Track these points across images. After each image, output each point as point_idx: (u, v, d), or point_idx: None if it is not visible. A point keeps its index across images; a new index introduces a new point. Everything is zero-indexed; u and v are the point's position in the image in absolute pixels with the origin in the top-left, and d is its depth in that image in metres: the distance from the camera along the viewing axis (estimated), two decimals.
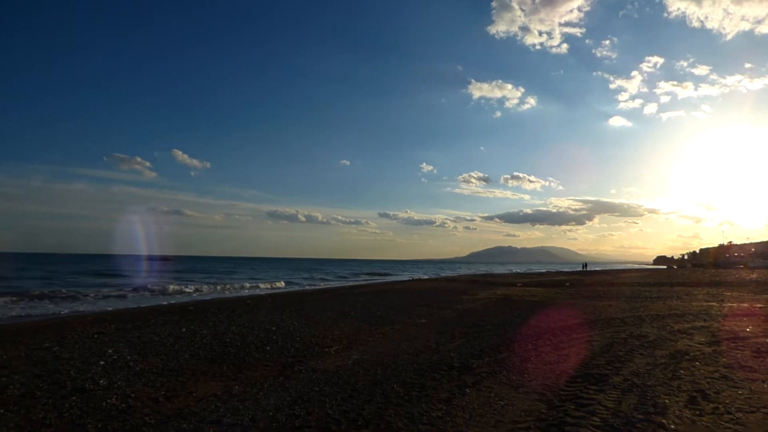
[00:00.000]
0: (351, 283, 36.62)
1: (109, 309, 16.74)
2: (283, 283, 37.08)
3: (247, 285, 34.41)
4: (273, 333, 9.81)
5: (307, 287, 31.11)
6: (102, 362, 7.03)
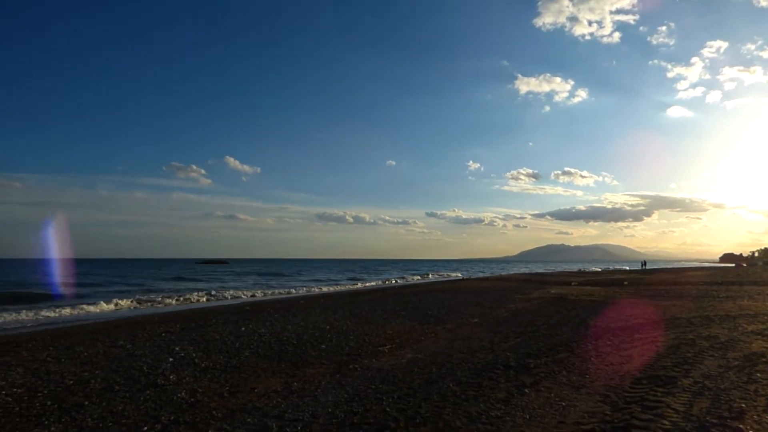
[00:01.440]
0: (400, 284, 36.71)
1: (174, 309, 17.66)
2: (334, 284, 37.73)
3: (300, 286, 35.30)
4: (327, 332, 10.00)
5: (358, 287, 31.48)
6: (171, 359, 7.43)
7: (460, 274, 55.19)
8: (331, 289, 30.91)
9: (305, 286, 34.25)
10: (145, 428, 4.50)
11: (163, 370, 6.75)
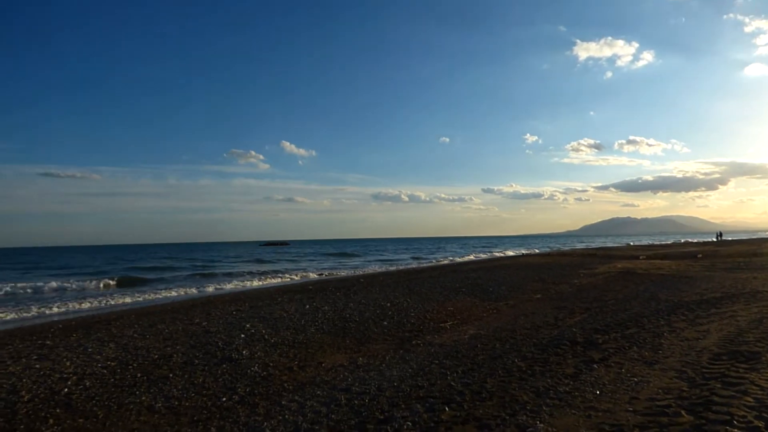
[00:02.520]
0: (458, 261, 36.48)
1: (241, 290, 18.58)
2: (391, 263, 38.11)
3: (358, 265, 35.97)
4: (388, 309, 10.15)
5: (416, 265, 31.61)
6: (242, 335, 7.85)
7: (519, 251, 53.97)
8: (390, 267, 31.26)
9: (363, 265, 34.87)
10: (224, 399, 4.80)
11: (236, 345, 7.14)
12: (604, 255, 30.55)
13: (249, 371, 5.78)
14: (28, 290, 19.45)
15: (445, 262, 36.19)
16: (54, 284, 20.81)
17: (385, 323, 8.64)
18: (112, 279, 23.50)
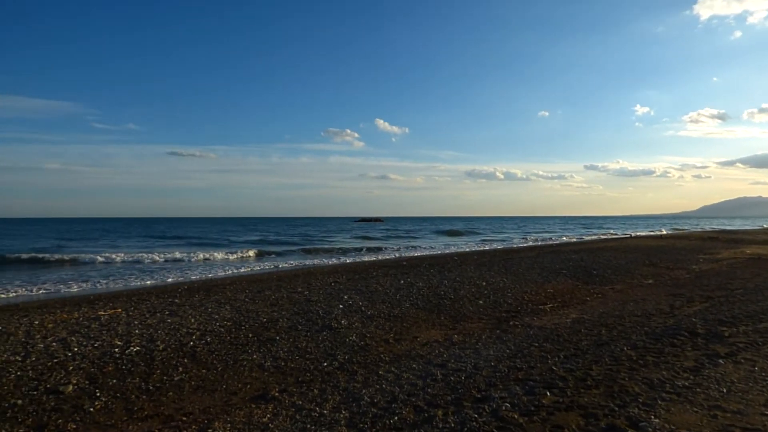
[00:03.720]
0: (558, 241, 34.71)
1: (339, 262, 19.39)
2: (485, 241, 37.36)
3: (451, 242, 35.73)
4: (483, 288, 9.97)
5: (512, 245, 30.62)
6: (341, 306, 8.19)
7: (627, 232, 49.89)
8: (484, 246, 30.64)
9: (455, 244, 34.57)
10: (325, 364, 5.06)
11: (335, 315, 7.48)
12: (728, 239, 27.16)
13: (347, 340, 6.02)
14: (192, 258, 21.87)
15: (543, 242, 34.62)
16: (201, 255, 22.73)
17: (481, 302, 8.50)
18: (250, 251, 25.16)
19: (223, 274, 15.25)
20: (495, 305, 8.24)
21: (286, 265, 19.09)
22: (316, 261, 20.82)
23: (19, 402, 4.05)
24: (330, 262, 19.69)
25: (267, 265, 18.78)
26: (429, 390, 4.15)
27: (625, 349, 5.25)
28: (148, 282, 13.37)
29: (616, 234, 46.92)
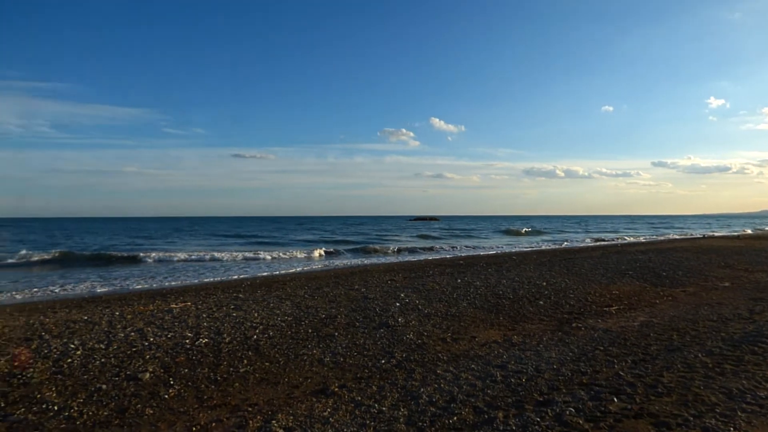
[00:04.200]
0: (624, 241, 32.96)
1: (394, 260, 19.48)
2: (545, 240, 36.15)
3: (507, 241, 34.90)
4: (544, 288, 9.66)
5: (574, 245, 29.43)
6: (397, 304, 8.23)
7: (700, 232, 46.53)
8: (543, 246, 29.67)
9: (514, 242, 33.73)
10: (383, 361, 5.10)
11: (392, 312, 7.53)
12: None
13: (404, 338, 6.04)
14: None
15: (608, 241, 33.00)
16: (261, 253, 23.95)
17: (541, 303, 8.25)
18: (310, 249, 25.89)
19: (283, 271, 15.77)
20: (556, 306, 7.97)
21: (343, 262, 19.45)
22: (373, 259, 21.05)
23: (104, 387, 4.40)
24: (386, 261, 19.84)
25: (324, 263, 19.22)
26: (488, 391, 4.08)
27: (700, 355, 4.91)
28: (215, 278, 14.08)
29: (687, 234, 43.90)
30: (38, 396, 4.18)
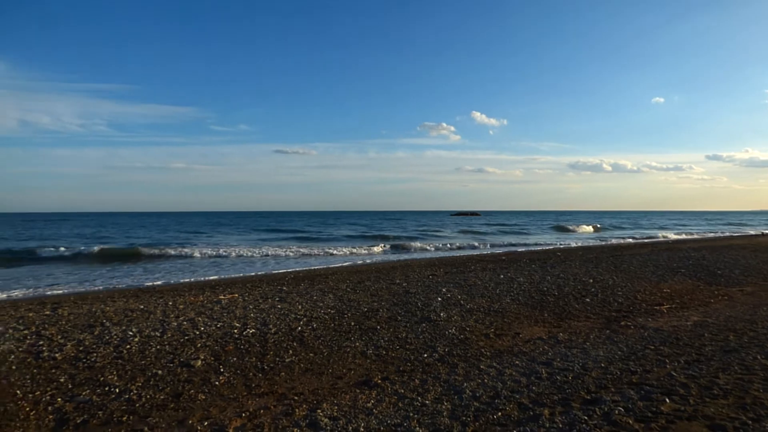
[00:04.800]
0: (675, 237, 31.45)
1: (433, 255, 19.42)
2: (590, 236, 35.00)
3: (552, 237, 34.03)
4: (590, 285, 9.40)
5: (621, 240, 28.34)
6: (439, 298, 8.23)
7: (759, 229, 43.70)
8: (588, 242, 28.74)
9: (558, 238, 32.86)
10: (425, 355, 5.13)
11: (433, 307, 7.54)
12: None
13: (447, 333, 6.04)
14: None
15: (658, 238, 31.58)
16: (304, 247, 24.70)
17: (588, 300, 8.03)
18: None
19: (325, 265, 16.06)
20: (604, 304, 7.74)
21: (384, 257, 19.58)
22: (413, 254, 21.07)
23: (159, 372, 4.66)
24: (427, 255, 19.81)
25: (366, 257, 19.41)
26: (533, 388, 4.03)
27: (759, 357, 4.66)
28: (259, 271, 14.52)
29: (744, 231, 41.35)
30: (101, 379, 4.48)
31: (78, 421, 3.60)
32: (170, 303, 8.04)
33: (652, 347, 5.20)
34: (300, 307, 7.61)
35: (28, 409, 3.83)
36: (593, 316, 6.90)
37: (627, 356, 4.90)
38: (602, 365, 4.60)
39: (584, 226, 48.31)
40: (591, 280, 10.01)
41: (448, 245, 26.06)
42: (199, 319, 6.84)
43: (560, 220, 70.20)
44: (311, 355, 5.21)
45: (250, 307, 7.65)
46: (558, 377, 4.29)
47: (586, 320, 6.68)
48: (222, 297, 8.54)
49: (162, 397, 4.06)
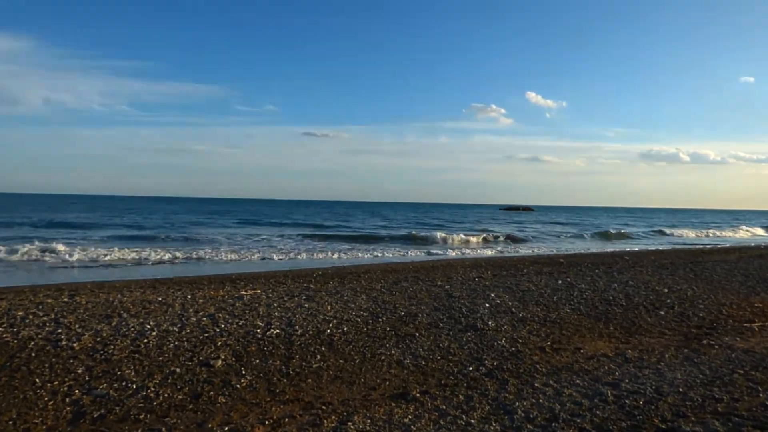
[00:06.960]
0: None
1: (480, 255, 19.22)
2: (664, 237, 33.76)
3: (618, 238, 33.04)
4: (665, 296, 9.06)
5: (702, 244, 27.20)
6: (487, 305, 8.12)
7: None
8: (661, 245, 27.73)
9: (633, 241, 31.88)
10: (470, 368, 5.07)
11: (480, 314, 7.44)
12: None
13: (495, 344, 5.95)
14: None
15: (745, 243, 30.11)
16: (334, 243, 25.07)
17: (662, 312, 7.74)
18: (382, 240, 26.39)
19: (356, 261, 16.18)
20: (681, 318, 7.44)
21: (423, 255, 19.54)
22: (456, 252, 20.93)
23: (178, 370, 4.80)
24: (472, 254, 19.63)
25: (401, 255, 19.42)
26: (597, 412, 3.91)
27: None
28: (282, 267, 14.77)
29: None
30: (119, 373, 4.67)
31: (95, 416, 3.76)
32: (189, 296, 8.27)
33: (741, 371, 4.96)
34: (329, 307, 7.68)
35: (46, 398, 4.05)
36: (669, 332, 6.64)
37: (711, 381, 4.68)
38: (680, 390, 4.42)
39: (657, 226, 46.55)
40: (666, 290, 9.65)
41: (497, 244, 25.73)
42: (220, 315, 7.01)
43: (628, 219, 68.02)
44: (341, 361, 5.24)
45: (275, 305, 7.77)
46: (627, 401, 4.14)
47: (660, 336, 6.44)
48: (244, 293, 8.73)
49: (180, 397, 4.18)
